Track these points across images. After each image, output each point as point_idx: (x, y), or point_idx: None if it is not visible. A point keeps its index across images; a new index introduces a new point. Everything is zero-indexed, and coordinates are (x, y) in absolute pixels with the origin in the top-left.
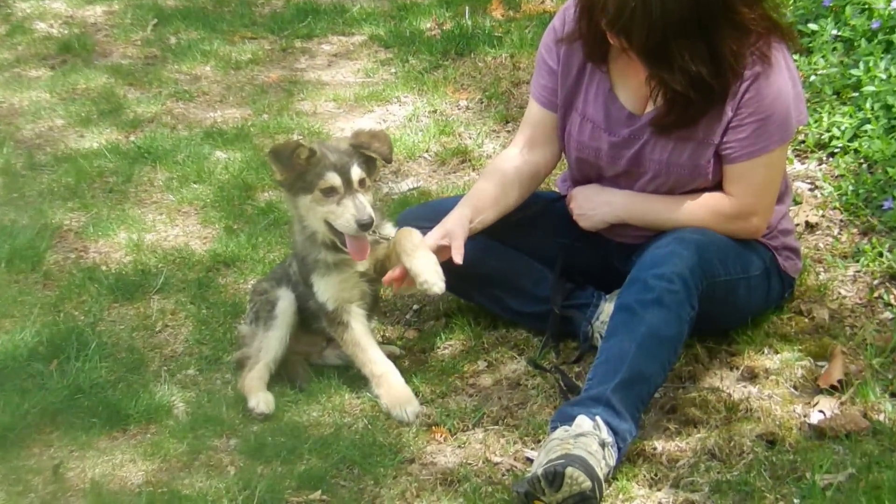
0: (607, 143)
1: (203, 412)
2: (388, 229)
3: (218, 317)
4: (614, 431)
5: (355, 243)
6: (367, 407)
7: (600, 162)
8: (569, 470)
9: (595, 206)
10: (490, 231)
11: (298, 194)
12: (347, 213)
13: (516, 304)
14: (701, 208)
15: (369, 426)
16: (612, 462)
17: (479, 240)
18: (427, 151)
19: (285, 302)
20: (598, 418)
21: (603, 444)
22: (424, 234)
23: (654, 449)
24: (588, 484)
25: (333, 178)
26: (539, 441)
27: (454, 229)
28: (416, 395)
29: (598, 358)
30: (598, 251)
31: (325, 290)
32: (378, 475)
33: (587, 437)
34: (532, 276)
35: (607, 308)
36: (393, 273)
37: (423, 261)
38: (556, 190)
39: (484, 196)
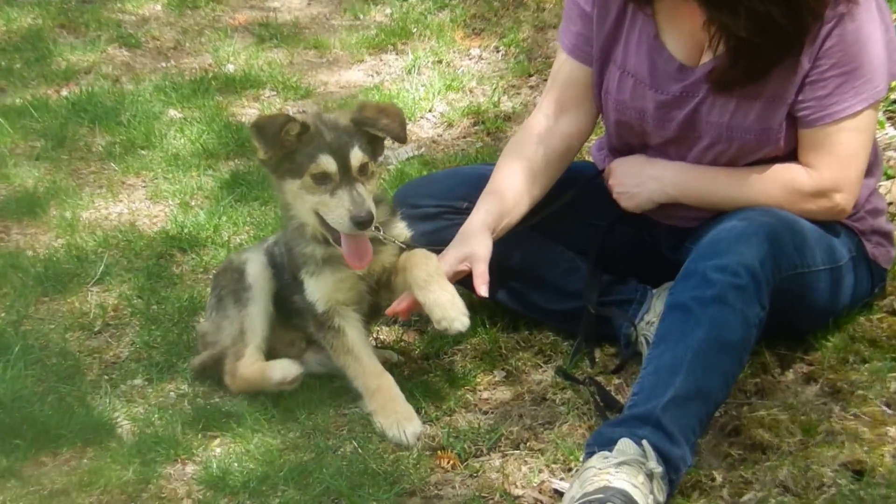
0: (653, 103)
1: (153, 432)
2: (399, 229)
3: (171, 314)
4: (665, 459)
5: (352, 245)
6: (356, 426)
7: (645, 126)
8: None
9: (640, 181)
10: None
11: (285, 177)
12: (341, 206)
13: (542, 300)
14: (772, 184)
15: (359, 450)
16: (662, 498)
17: None
18: (430, 111)
19: (255, 266)
20: (645, 442)
21: (651, 475)
22: (424, 213)
23: (713, 480)
24: None
25: (327, 163)
26: (570, 469)
27: (476, 251)
28: (418, 411)
29: (646, 368)
30: (642, 236)
31: (316, 289)
32: None
33: (631, 466)
34: (561, 265)
35: (655, 306)
36: (399, 304)
37: (440, 294)
38: (591, 160)
39: (508, 190)
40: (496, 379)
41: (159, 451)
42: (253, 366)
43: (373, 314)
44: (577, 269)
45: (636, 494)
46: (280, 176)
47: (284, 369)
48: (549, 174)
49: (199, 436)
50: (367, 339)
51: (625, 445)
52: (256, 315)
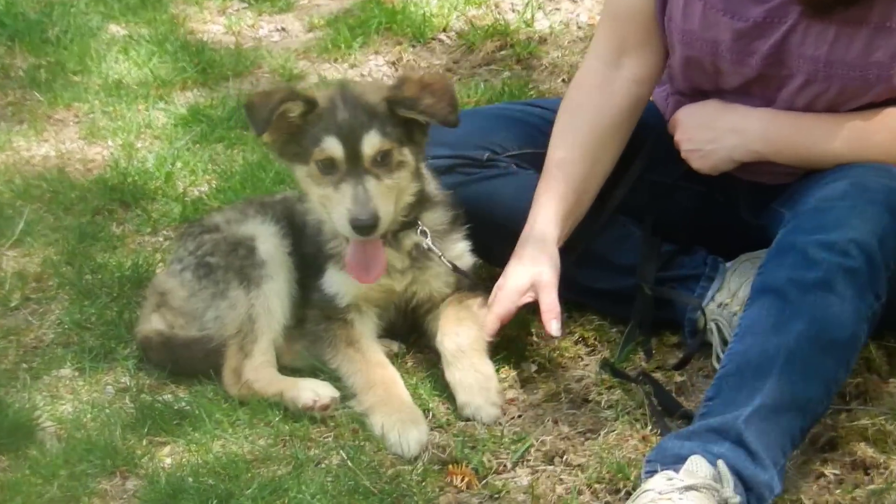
0: (730, 33)
1: (84, 436)
2: (457, 248)
3: (109, 286)
4: (746, 485)
5: (358, 251)
6: (344, 432)
7: (719, 63)
8: None
9: (715, 135)
10: (542, 162)
11: (294, 162)
12: (341, 204)
13: (585, 276)
14: (887, 134)
15: (348, 462)
16: None
17: (526, 179)
18: (445, 31)
19: (268, 240)
20: (721, 463)
21: None
22: (433, 166)
23: None
24: None
25: (332, 147)
26: (618, 491)
27: (544, 277)
28: (425, 414)
29: (725, 366)
30: (714, 195)
31: (342, 283)
32: None
33: (701, 493)
34: (610, 233)
35: (729, 283)
36: None
37: (469, 375)
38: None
39: (574, 172)
40: (525, 374)
41: (92, 460)
42: (266, 371)
43: (400, 330)
44: (630, 238)
45: None
46: (289, 160)
47: (317, 392)
48: (619, 137)
49: (144, 442)
50: (376, 334)
51: (695, 465)
52: (273, 296)
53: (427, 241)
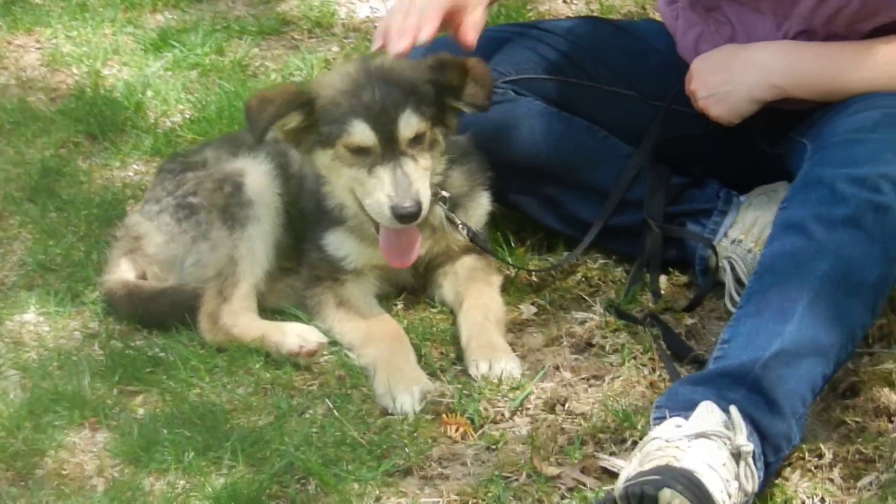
0: None
1: (51, 386)
2: (481, 205)
3: (76, 224)
4: (762, 434)
5: (393, 237)
6: (331, 380)
7: None
8: (664, 494)
9: (731, 75)
10: (543, 89)
11: (314, 150)
12: (380, 190)
13: (586, 210)
14: None
15: (334, 412)
16: (752, 486)
17: (525, 106)
18: None
19: (258, 178)
20: (734, 409)
21: (738, 455)
22: None
23: (819, 457)
24: None
25: (363, 133)
26: (624, 441)
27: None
28: (417, 359)
29: (741, 307)
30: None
31: (350, 247)
32: (348, 495)
33: (712, 441)
34: (615, 163)
35: (744, 217)
36: None
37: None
38: (659, 18)
39: None
40: (524, 317)
41: (59, 411)
42: (245, 315)
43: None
44: (636, 169)
45: (710, 479)
46: (307, 150)
47: (303, 337)
48: None
49: (115, 391)
50: (374, 293)
51: (706, 411)
52: (258, 239)
53: (448, 212)
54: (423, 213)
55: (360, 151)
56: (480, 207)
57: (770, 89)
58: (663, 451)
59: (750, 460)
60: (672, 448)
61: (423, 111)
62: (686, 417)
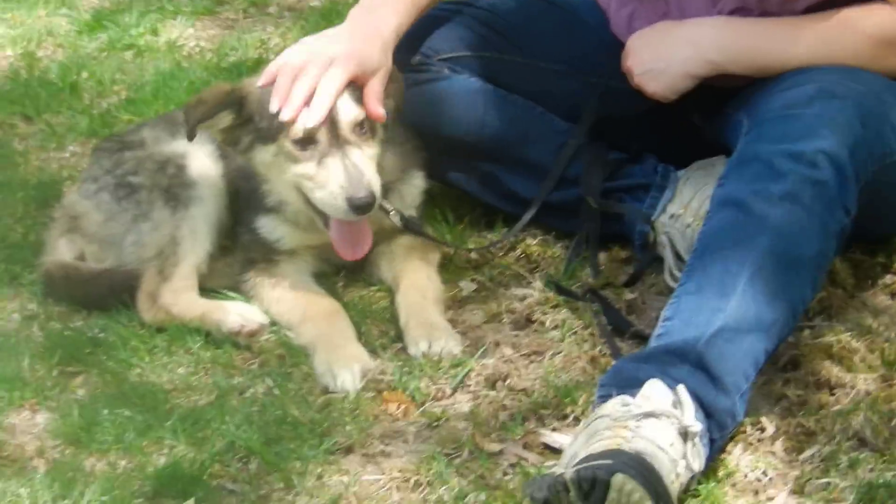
0: None
1: None
2: (416, 186)
3: (12, 206)
4: (707, 412)
5: (345, 230)
6: (271, 359)
7: None
8: (617, 480)
9: (668, 52)
10: (478, 66)
11: (253, 147)
12: (333, 182)
13: (525, 187)
14: (850, 33)
15: (275, 391)
16: (698, 465)
17: (460, 84)
18: None
19: (201, 159)
20: (681, 388)
21: (685, 435)
22: None
23: (761, 431)
24: None
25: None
26: (566, 417)
27: (371, 56)
28: (357, 339)
29: (683, 284)
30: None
31: (282, 230)
32: (290, 473)
33: (660, 421)
34: (551, 139)
35: (682, 192)
36: None
37: (423, 325)
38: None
39: None
40: (464, 294)
41: None
42: (186, 295)
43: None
44: (574, 148)
45: (659, 461)
46: (245, 149)
47: (245, 317)
48: None
49: (55, 373)
50: (310, 272)
51: (653, 390)
52: (201, 220)
53: (383, 203)
54: (377, 202)
55: (306, 143)
56: (415, 188)
57: (706, 65)
58: (612, 430)
59: (697, 440)
60: (620, 427)
61: (357, 97)
62: (632, 395)
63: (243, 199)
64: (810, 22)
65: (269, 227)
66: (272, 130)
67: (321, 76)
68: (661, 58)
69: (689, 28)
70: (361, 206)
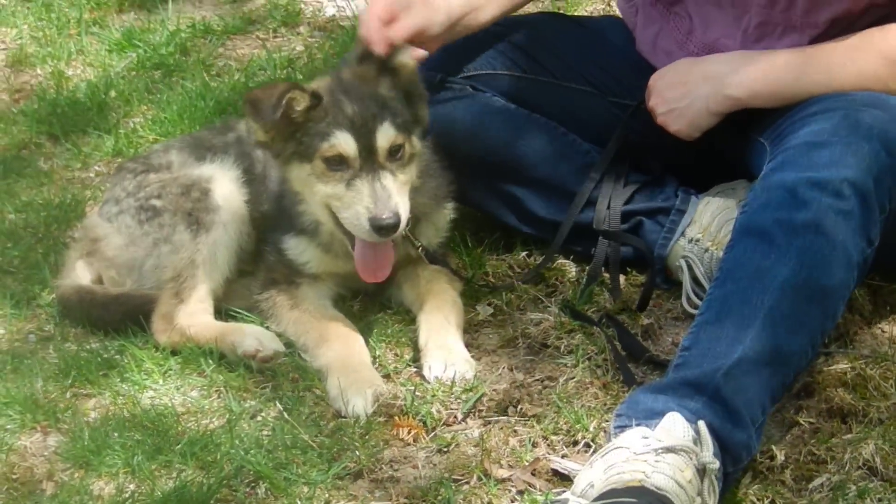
0: None
1: (4, 389)
2: (442, 219)
3: (35, 226)
4: (722, 445)
5: (368, 252)
6: (284, 382)
7: None
8: None
9: (688, 88)
10: (501, 85)
11: (291, 162)
12: (358, 202)
13: (545, 208)
14: (868, 56)
15: (286, 415)
16: (713, 501)
17: (482, 102)
18: None
19: (226, 184)
20: (702, 425)
21: (703, 471)
22: None
23: (771, 459)
24: None
25: (345, 143)
26: (577, 443)
27: (433, 20)
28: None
29: (702, 313)
30: None
31: (311, 254)
32: (297, 498)
33: (679, 456)
34: (574, 160)
35: (701, 216)
36: None
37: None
38: (619, 14)
39: None
40: (479, 318)
41: (11, 415)
42: (202, 317)
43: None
44: (600, 172)
45: (680, 500)
46: (286, 161)
47: (261, 340)
48: None
49: (68, 395)
50: (330, 297)
51: (673, 423)
52: (221, 245)
53: (408, 232)
54: (402, 226)
55: (338, 164)
56: (444, 219)
57: (726, 101)
58: (631, 464)
59: (713, 478)
60: (640, 461)
61: (398, 123)
62: (652, 427)
63: (271, 219)
64: (829, 48)
65: (298, 250)
66: (311, 149)
67: None
68: (684, 95)
69: (708, 65)
70: (385, 228)
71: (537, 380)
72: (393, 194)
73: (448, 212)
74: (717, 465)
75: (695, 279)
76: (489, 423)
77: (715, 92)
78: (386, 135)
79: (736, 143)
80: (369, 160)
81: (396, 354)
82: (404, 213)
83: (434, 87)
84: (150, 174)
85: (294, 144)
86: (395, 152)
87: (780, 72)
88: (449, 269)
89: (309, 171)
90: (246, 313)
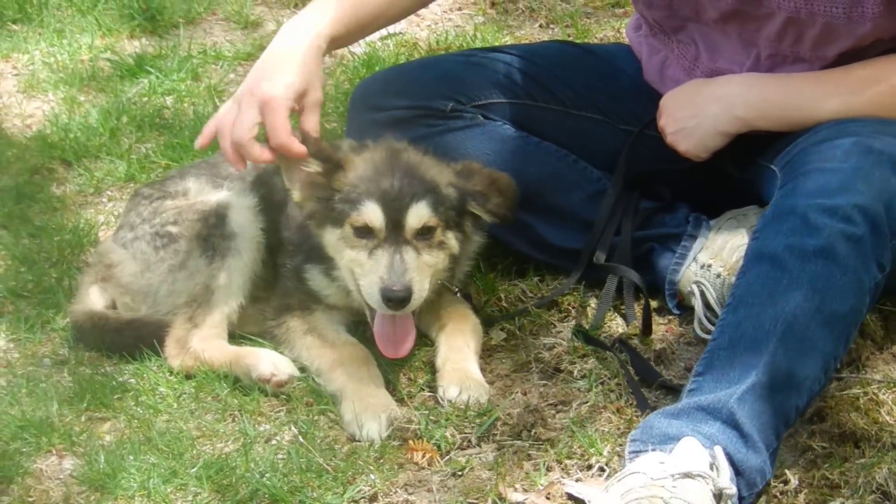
0: None
1: (19, 413)
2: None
3: (48, 251)
4: (737, 470)
5: (387, 327)
6: (298, 406)
7: None
8: None
9: (697, 109)
10: (512, 113)
11: (325, 225)
12: (374, 272)
13: (557, 236)
14: (880, 86)
15: (301, 439)
16: None
17: (493, 131)
18: None
19: (242, 212)
20: (718, 450)
21: (720, 497)
22: (393, 118)
23: (785, 483)
24: None
25: (372, 214)
26: (590, 467)
27: (314, 93)
28: (385, 386)
29: (715, 339)
30: None
31: (329, 287)
32: None
33: (696, 482)
34: (585, 188)
35: (714, 243)
36: None
37: (458, 371)
38: (627, 42)
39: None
40: (493, 342)
41: (27, 438)
42: (216, 341)
43: None
44: (605, 193)
45: None
46: (319, 224)
47: (275, 364)
48: None
49: (83, 418)
50: (343, 324)
51: (689, 448)
52: (237, 272)
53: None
54: (414, 303)
55: (365, 233)
56: (471, 260)
57: (735, 121)
58: (649, 489)
59: (729, 502)
60: (658, 487)
61: (438, 210)
62: (667, 451)
63: (290, 245)
64: (841, 74)
65: (317, 280)
66: (343, 214)
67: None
68: (693, 115)
69: (718, 86)
70: (393, 300)
71: (551, 404)
72: (409, 269)
73: (476, 243)
74: (733, 490)
75: (707, 304)
76: (503, 447)
77: (724, 112)
78: (418, 214)
79: (747, 170)
80: (395, 233)
81: (410, 378)
82: (418, 290)
83: (445, 116)
84: (167, 200)
85: (327, 210)
86: (425, 232)
87: (791, 95)
88: (470, 303)
89: (339, 236)
90: (258, 339)
